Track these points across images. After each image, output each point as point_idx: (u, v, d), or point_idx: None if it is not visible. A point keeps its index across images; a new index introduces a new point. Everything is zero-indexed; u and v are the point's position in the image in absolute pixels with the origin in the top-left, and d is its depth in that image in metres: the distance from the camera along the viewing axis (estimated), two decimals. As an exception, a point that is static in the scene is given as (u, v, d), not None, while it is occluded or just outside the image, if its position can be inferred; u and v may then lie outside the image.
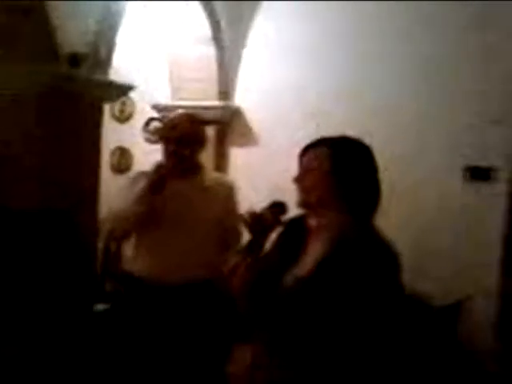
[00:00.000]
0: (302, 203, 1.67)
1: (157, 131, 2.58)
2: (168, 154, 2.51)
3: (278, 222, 1.72)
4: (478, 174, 3.99)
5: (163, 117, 4.94)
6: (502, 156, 3.87)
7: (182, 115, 2.72)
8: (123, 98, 4.60)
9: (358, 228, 1.59)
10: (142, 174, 2.56)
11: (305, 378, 1.56)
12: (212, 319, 2.58)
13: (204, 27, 4.50)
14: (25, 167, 3.09)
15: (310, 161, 1.66)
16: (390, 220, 4.08)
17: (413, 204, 4.06)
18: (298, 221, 1.75)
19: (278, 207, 1.73)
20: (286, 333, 1.60)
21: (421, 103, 4.11)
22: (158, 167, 2.46)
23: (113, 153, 5.17)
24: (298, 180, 1.67)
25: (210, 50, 4.60)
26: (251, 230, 1.70)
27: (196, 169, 2.60)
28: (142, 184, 2.42)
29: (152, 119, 5.06)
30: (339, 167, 1.61)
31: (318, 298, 1.54)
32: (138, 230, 2.53)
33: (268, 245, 1.75)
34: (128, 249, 2.71)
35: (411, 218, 4.05)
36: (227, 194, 2.65)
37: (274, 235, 1.76)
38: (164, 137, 2.56)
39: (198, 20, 4.47)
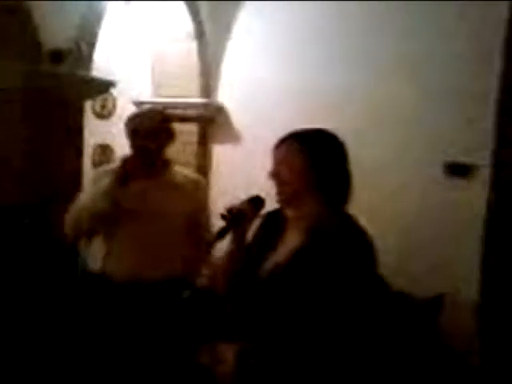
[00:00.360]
0: (280, 200, 1.71)
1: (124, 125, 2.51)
2: (134, 148, 2.45)
3: (256, 215, 1.75)
4: (457, 171, 4.03)
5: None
6: (481, 152, 3.91)
7: (148, 109, 2.69)
8: (105, 95, 4.56)
9: (334, 217, 1.63)
10: (106, 170, 2.51)
11: (287, 371, 1.57)
12: (186, 316, 2.58)
13: (187, 23, 4.48)
14: (7, 164, 3.06)
15: (284, 155, 1.68)
16: (373, 216, 4.17)
17: (396, 201, 4.09)
18: (275, 213, 1.80)
19: (256, 201, 1.77)
20: (266, 321, 1.63)
21: (402, 101, 4.13)
22: (124, 161, 2.40)
23: (94, 149, 5.14)
24: (274, 175, 1.70)
25: (193, 47, 4.58)
26: (229, 224, 1.73)
27: (164, 165, 2.56)
28: (106, 180, 2.38)
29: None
30: (313, 160, 1.64)
31: (294, 284, 1.58)
32: (105, 228, 2.48)
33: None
34: (96, 248, 2.65)
35: (394, 215, 4.08)
36: (196, 190, 2.62)
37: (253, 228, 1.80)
38: (130, 130, 2.47)
39: (180, 16, 4.45)
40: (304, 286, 1.56)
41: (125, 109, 5.02)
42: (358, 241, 1.59)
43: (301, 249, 1.61)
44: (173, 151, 4.58)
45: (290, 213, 1.74)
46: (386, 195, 4.10)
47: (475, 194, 3.94)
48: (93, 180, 2.53)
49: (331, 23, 4.33)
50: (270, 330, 1.62)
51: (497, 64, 3.80)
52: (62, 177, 3.27)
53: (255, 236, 1.82)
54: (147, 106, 4.73)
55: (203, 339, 2.51)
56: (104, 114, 5.22)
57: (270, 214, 1.82)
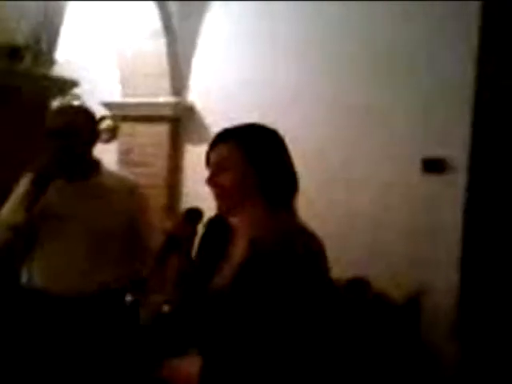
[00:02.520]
0: (221, 208, 1.55)
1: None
2: (52, 148, 2.21)
3: (194, 231, 1.60)
4: (433, 166, 3.98)
5: (115, 115, 4.78)
6: (457, 147, 3.86)
7: (66, 106, 2.48)
8: (72, 96, 4.40)
9: (277, 224, 1.50)
10: (26, 176, 2.24)
11: None
12: (119, 331, 2.34)
13: (155, 20, 4.36)
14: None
15: (221, 158, 1.52)
16: (350, 212, 4.10)
17: (373, 196, 4.02)
18: (218, 220, 1.65)
19: (192, 215, 1.61)
20: (219, 337, 1.52)
21: (376, 98, 4.06)
22: (41, 162, 2.17)
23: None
24: (212, 182, 1.53)
25: (161, 45, 4.46)
26: (165, 249, 1.58)
27: (92, 167, 2.31)
28: (24, 187, 2.15)
29: (103, 117, 4.87)
30: (253, 160, 1.50)
31: (241, 306, 1.46)
32: (27, 241, 2.21)
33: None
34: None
35: (371, 211, 4.01)
36: (131, 194, 2.35)
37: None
38: (47, 130, 2.23)
39: (148, 13, 4.33)
40: (252, 302, 1.45)
41: (93, 111, 4.89)
42: (302, 249, 1.45)
43: (244, 265, 1.49)
44: (144, 152, 4.57)
45: (232, 220, 1.59)
46: (364, 191, 4.03)
47: (453, 190, 3.88)
48: (17, 187, 2.27)
49: (299, 21, 4.25)
50: (224, 345, 1.51)
51: (473, 63, 3.76)
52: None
53: (200, 248, 1.67)
54: (119, 108, 4.65)
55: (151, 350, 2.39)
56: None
57: (212, 220, 1.67)
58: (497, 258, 3.76)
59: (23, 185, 2.21)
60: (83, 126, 2.24)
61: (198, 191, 4.43)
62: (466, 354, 3.74)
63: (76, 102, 4.85)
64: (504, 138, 3.83)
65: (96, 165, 2.34)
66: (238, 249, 1.55)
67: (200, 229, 1.62)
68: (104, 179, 2.31)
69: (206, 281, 1.57)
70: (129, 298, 2.38)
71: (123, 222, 2.30)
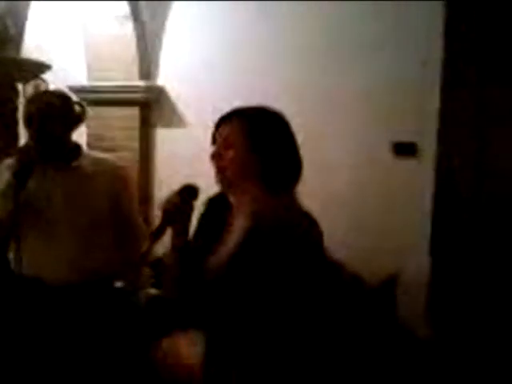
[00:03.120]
0: (220, 181, 1.59)
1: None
2: (31, 134, 2.17)
3: (190, 207, 1.60)
4: (403, 150, 4.06)
5: (82, 99, 4.68)
6: (426, 131, 3.94)
7: (41, 92, 2.42)
8: (37, 80, 4.29)
9: (277, 202, 1.53)
10: (8, 164, 2.19)
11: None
12: (111, 319, 2.33)
13: (123, 4, 4.27)
14: None
15: (226, 136, 1.56)
16: (322, 197, 4.15)
17: (344, 180, 4.07)
18: (218, 199, 1.68)
19: (188, 191, 1.61)
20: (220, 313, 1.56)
21: (348, 82, 4.10)
22: (21, 152, 2.13)
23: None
24: (215, 157, 1.57)
25: (130, 27, 4.37)
26: (162, 223, 1.58)
27: (73, 152, 2.28)
28: (6, 176, 2.11)
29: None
30: (256, 142, 1.53)
31: (240, 280, 1.50)
32: (13, 230, 2.17)
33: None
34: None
35: (343, 194, 4.07)
36: (114, 177, 2.32)
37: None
38: (25, 116, 2.19)
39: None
40: (250, 280, 1.49)
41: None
42: (302, 226, 1.50)
43: (243, 241, 1.52)
44: (114, 137, 4.51)
45: (232, 199, 1.63)
46: (334, 174, 4.08)
47: (422, 173, 3.97)
48: None
49: (268, 4, 4.22)
50: (226, 321, 1.55)
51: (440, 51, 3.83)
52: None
53: (198, 228, 1.69)
54: (86, 92, 4.55)
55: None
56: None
57: (212, 199, 1.70)
58: (466, 239, 3.88)
59: (4, 175, 2.15)
60: (60, 110, 2.21)
61: (170, 174, 4.49)
62: (437, 333, 3.86)
63: (43, 87, 4.76)
64: (470, 121, 3.94)
65: (77, 149, 2.31)
66: (239, 223, 1.57)
67: (196, 205, 1.63)
68: (86, 163, 2.28)
69: (205, 256, 1.59)
70: (118, 283, 2.37)
71: (108, 204, 2.28)
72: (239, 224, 1.57)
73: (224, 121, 1.58)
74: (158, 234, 1.57)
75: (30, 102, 2.27)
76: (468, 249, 3.88)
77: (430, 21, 3.85)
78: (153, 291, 3.13)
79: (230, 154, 1.54)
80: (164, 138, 4.58)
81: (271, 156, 1.54)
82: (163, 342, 2.62)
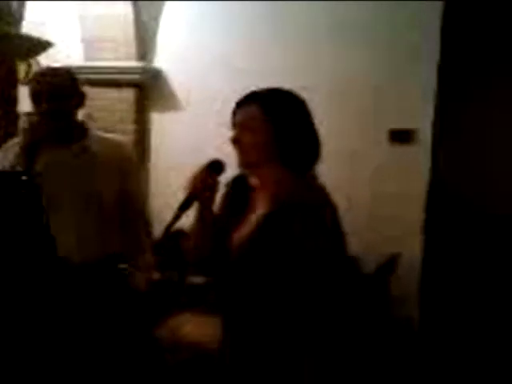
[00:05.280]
0: (242, 163, 1.63)
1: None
2: (37, 112, 2.15)
3: (216, 182, 1.65)
4: (398, 137, 4.09)
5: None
6: (422, 117, 3.97)
7: (51, 69, 2.33)
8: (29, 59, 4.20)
9: (299, 184, 1.57)
10: (14, 143, 2.20)
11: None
12: (114, 299, 2.32)
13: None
14: None
15: (245, 119, 1.60)
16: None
17: (341, 167, 4.09)
18: (240, 179, 1.72)
19: (215, 166, 1.66)
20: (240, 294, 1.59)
21: (346, 68, 4.11)
22: (29, 130, 2.13)
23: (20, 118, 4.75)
24: (235, 140, 1.61)
25: (127, 7, 4.31)
26: (190, 196, 1.62)
27: (80, 131, 2.26)
28: (15, 151, 2.09)
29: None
30: (274, 123, 1.56)
31: (262, 257, 1.54)
32: None
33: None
34: None
35: (340, 182, 4.08)
36: (122, 157, 2.31)
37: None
38: (32, 93, 2.15)
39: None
40: (272, 256, 1.52)
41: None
42: (324, 208, 1.54)
43: (265, 219, 1.56)
44: (109, 118, 4.45)
45: (254, 180, 1.67)
46: (332, 162, 4.09)
47: (418, 159, 4.01)
48: (0, 155, 2.22)
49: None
50: (245, 302, 1.59)
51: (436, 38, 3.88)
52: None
53: (221, 206, 1.73)
54: (81, 73, 4.46)
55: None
56: (28, 80, 4.83)
57: (235, 180, 1.74)
58: (459, 228, 3.95)
59: (10, 153, 2.12)
60: (68, 88, 2.18)
61: (165, 157, 4.46)
62: (427, 322, 3.93)
63: (35, 65, 4.67)
64: (467, 109, 4.00)
65: (83, 128, 2.29)
66: (260, 205, 1.61)
67: (221, 181, 1.67)
68: (93, 142, 2.26)
69: (228, 236, 1.63)
70: (122, 265, 2.36)
71: (114, 187, 2.26)
72: (261, 206, 1.61)
73: (241, 105, 1.62)
74: (184, 207, 1.61)
75: (37, 78, 2.22)
76: (460, 236, 3.95)
77: (430, 8, 3.87)
78: (156, 274, 3.12)
79: (249, 137, 1.58)
80: (159, 119, 4.54)
81: (290, 136, 1.57)
82: (168, 321, 2.62)
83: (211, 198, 1.64)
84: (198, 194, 1.61)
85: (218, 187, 1.64)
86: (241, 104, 1.62)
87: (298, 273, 1.49)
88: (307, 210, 1.50)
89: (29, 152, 2.05)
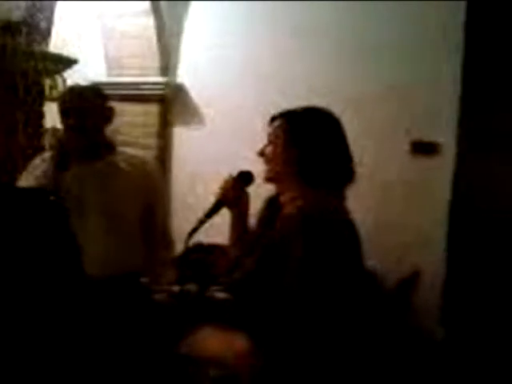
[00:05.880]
0: (265, 177, 1.65)
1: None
2: (66, 128, 2.20)
3: (244, 192, 1.71)
4: (422, 149, 4.06)
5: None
6: (447, 130, 3.94)
7: (80, 86, 2.38)
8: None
9: (315, 200, 1.55)
10: (43, 158, 2.27)
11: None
12: (135, 314, 2.32)
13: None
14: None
15: (270, 133, 1.64)
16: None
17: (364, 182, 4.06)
18: (274, 198, 1.73)
19: (244, 176, 1.72)
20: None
21: (370, 81, 4.11)
22: (60, 144, 2.21)
23: (45, 133, 4.84)
24: (260, 153, 1.66)
25: (149, 23, 4.38)
26: (217, 204, 1.68)
27: (107, 147, 2.29)
28: (43, 167, 2.16)
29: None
30: (294, 137, 1.58)
31: (270, 278, 1.52)
32: None
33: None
34: None
35: (363, 196, 4.06)
36: (148, 177, 2.34)
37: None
38: (60, 110, 2.21)
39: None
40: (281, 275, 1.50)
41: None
42: (342, 232, 1.53)
43: (267, 245, 1.56)
44: (131, 133, 4.51)
45: (282, 198, 1.67)
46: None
47: (441, 172, 3.97)
48: (28, 171, 2.26)
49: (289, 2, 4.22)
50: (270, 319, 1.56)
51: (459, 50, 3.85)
52: (10, 160, 3.02)
53: (258, 223, 1.75)
54: (104, 88, 4.54)
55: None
56: (53, 96, 4.92)
57: (270, 199, 1.75)
58: (483, 243, 3.90)
59: (40, 167, 2.17)
60: (97, 104, 2.22)
61: (188, 171, 4.49)
62: (451, 339, 3.87)
63: (60, 82, 4.76)
64: (490, 121, 3.96)
65: (111, 145, 2.32)
66: (276, 225, 1.60)
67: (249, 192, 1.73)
68: (119, 159, 2.29)
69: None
70: (144, 279, 2.37)
71: (138, 203, 2.29)
72: (277, 227, 1.60)
73: (272, 121, 1.67)
74: (209, 215, 1.67)
75: (66, 94, 2.28)
76: (484, 247, 3.90)
77: (449, 20, 3.86)
78: (176, 287, 3.13)
79: (271, 150, 1.61)
80: (181, 133, 4.58)
81: (313, 155, 1.56)
82: (188, 337, 2.60)
83: (243, 210, 1.69)
84: (226, 202, 1.66)
85: (248, 198, 1.70)
86: (271, 121, 1.67)
87: (312, 293, 1.47)
88: (320, 224, 1.49)
89: (60, 161, 2.11)
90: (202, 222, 1.65)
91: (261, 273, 1.54)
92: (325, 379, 1.53)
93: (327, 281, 1.46)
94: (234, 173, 1.76)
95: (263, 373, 1.57)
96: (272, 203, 1.72)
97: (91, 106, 2.18)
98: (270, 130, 1.66)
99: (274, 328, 1.53)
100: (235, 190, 1.67)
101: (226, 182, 1.68)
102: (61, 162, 2.11)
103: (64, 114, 2.19)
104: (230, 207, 1.68)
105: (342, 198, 1.61)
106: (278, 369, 1.54)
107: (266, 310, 1.55)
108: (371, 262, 3.61)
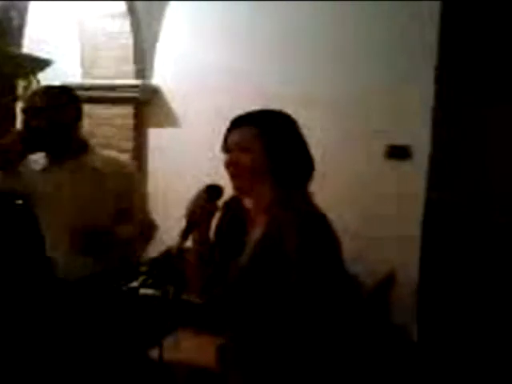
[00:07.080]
0: (237, 188, 1.60)
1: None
2: (24, 128, 2.19)
3: (214, 207, 1.63)
4: (396, 153, 4.10)
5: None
6: (419, 134, 3.99)
7: (44, 87, 2.39)
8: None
9: (294, 199, 1.56)
10: None
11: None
12: (107, 317, 2.31)
13: (119, 2, 4.25)
14: None
15: (237, 143, 1.58)
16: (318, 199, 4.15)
17: (338, 186, 4.10)
18: (233, 202, 1.70)
19: (212, 191, 1.64)
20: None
21: (343, 84, 4.14)
22: (7, 143, 2.14)
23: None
24: (230, 164, 1.58)
25: (125, 26, 4.36)
26: (190, 224, 1.61)
27: (80, 148, 2.28)
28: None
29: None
30: (268, 145, 1.56)
31: (260, 283, 1.52)
32: None
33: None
34: None
35: (337, 199, 4.09)
36: (124, 175, 2.33)
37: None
38: (28, 108, 2.20)
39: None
40: (269, 283, 1.51)
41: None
42: (317, 228, 1.51)
43: (259, 247, 1.55)
44: (107, 135, 4.47)
45: (248, 202, 1.65)
46: (329, 179, 4.09)
47: (414, 176, 4.02)
48: None
49: (265, 4, 4.24)
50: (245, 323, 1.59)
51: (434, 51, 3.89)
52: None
53: (216, 232, 1.70)
54: (79, 90, 4.49)
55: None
56: (26, 96, 4.85)
57: (228, 204, 1.71)
58: (456, 241, 3.96)
59: None
60: (61, 102, 2.20)
61: (163, 174, 4.47)
62: (424, 336, 3.91)
63: (34, 82, 4.70)
64: (463, 124, 4.02)
65: (84, 145, 2.30)
66: (257, 229, 1.59)
67: (219, 206, 1.65)
68: (95, 159, 2.28)
69: (226, 260, 1.62)
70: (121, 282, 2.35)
71: (112, 202, 2.27)
72: (258, 229, 1.59)
73: (233, 128, 1.60)
74: (186, 234, 1.60)
75: (36, 94, 2.25)
76: (458, 247, 3.95)
77: (425, 21, 3.89)
78: (149, 291, 3.10)
79: (244, 159, 1.56)
80: (157, 136, 4.56)
81: (284, 156, 1.56)
82: (164, 339, 2.60)
83: (208, 223, 1.63)
84: (197, 221, 1.59)
85: (216, 212, 1.63)
86: (232, 127, 1.60)
87: (301, 289, 1.48)
88: (306, 220, 1.49)
89: (6, 166, 2.10)
90: (179, 246, 1.59)
91: (254, 274, 1.53)
92: (314, 376, 1.54)
93: (326, 274, 1.48)
94: (205, 179, 1.70)
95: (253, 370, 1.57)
96: (229, 208, 1.70)
97: (51, 106, 2.17)
98: (234, 137, 1.58)
99: (264, 326, 1.54)
100: (205, 206, 1.60)
101: (195, 199, 1.61)
102: (7, 161, 2.09)
103: (22, 113, 2.20)
104: (200, 223, 1.62)
105: (311, 194, 1.62)
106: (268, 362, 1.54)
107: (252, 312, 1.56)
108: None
